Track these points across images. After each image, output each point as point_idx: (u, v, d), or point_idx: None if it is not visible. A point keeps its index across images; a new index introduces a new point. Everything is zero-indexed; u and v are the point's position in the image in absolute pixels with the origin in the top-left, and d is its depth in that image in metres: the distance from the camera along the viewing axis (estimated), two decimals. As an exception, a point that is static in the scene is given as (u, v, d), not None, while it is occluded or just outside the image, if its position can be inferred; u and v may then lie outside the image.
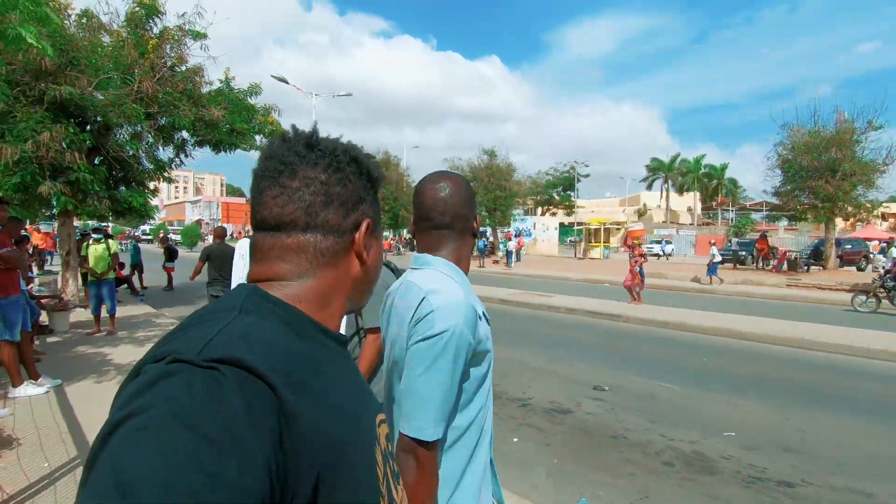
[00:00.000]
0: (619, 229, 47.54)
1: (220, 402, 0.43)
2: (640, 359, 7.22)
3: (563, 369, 6.52)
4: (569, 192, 51.35)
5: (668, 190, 60.16)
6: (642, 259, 12.23)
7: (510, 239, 27.17)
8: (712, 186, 58.10)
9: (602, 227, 36.09)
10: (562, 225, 45.00)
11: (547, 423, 4.64)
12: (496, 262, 27.03)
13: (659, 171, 59.78)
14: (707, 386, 5.83)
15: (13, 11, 4.72)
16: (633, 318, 10.02)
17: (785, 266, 20.43)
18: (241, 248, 5.91)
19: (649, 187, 62.96)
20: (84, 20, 9.60)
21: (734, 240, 30.87)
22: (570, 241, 37.45)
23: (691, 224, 59.85)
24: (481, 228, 39.92)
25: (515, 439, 4.26)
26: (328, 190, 0.64)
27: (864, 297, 12.04)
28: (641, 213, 61.56)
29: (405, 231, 48.01)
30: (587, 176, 50.66)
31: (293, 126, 0.69)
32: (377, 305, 1.36)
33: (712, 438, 4.33)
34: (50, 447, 3.66)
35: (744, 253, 24.51)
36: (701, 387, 5.79)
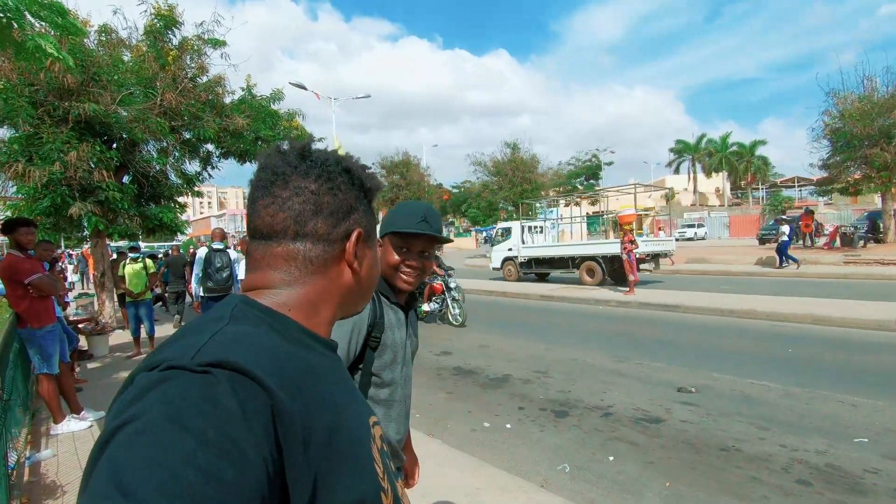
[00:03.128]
0: (648, 215, 46.24)
1: (215, 405, 0.44)
2: (714, 353, 6.58)
3: (634, 369, 5.94)
4: (592, 181, 50.14)
5: (695, 172, 58.29)
6: (632, 246, 11.43)
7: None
8: (742, 165, 56.04)
9: (634, 213, 35.01)
10: (588, 215, 43.91)
11: (640, 436, 4.09)
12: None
13: (685, 152, 57.92)
14: (808, 381, 5.17)
15: (35, 18, 4.42)
16: (693, 308, 9.34)
17: (838, 242, 19.22)
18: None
19: (676, 170, 61.08)
20: (103, 36, 9.39)
21: (777, 217, 29.37)
22: (603, 229, 36.39)
23: (721, 206, 57.88)
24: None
25: (611, 458, 3.72)
26: (318, 199, 0.64)
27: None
28: (669, 197, 59.85)
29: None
30: (611, 163, 49.40)
31: (289, 140, 0.75)
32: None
33: (842, 446, 3.71)
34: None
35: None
36: (801, 383, 5.14)
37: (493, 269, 17.56)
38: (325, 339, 0.66)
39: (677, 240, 36.45)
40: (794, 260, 15.06)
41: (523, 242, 16.47)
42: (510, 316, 10.32)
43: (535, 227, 18.31)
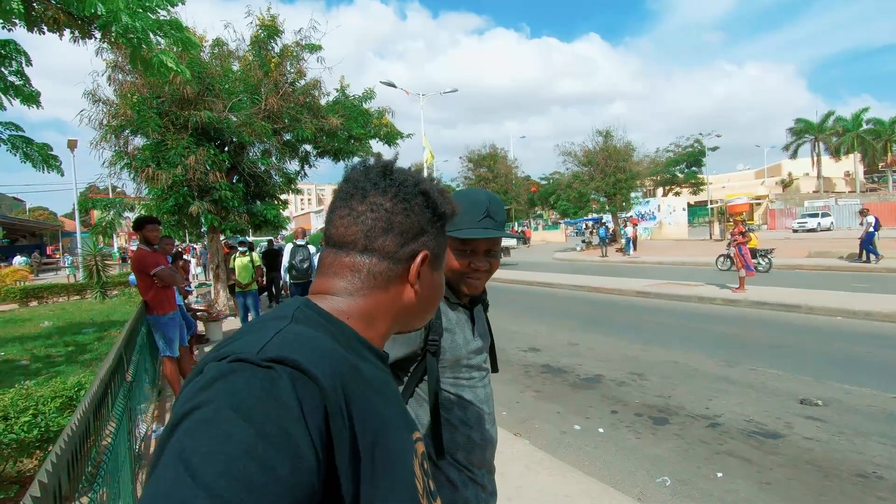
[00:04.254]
0: (759, 204, 41.90)
1: (276, 399, 0.46)
2: (846, 361, 5.74)
3: (746, 376, 5.35)
4: (693, 169, 46.41)
5: (819, 154, 51.58)
6: (741, 238, 10.18)
7: (636, 224, 25.02)
8: (880, 145, 48.63)
9: (748, 202, 31.90)
10: (689, 205, 40.78)
11: (754, 452, 3.65)
12: (620, 250, 25.07)
13: (806, 133, 51.32)
14: (972, 400, 4.33)
15: (157, 34, 4.92)
16: (818, 309, 8.24)
17: None
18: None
19: (794, 154, 54.45)
20: (216, 49, 10.30)
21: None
22: (708, 220, 33.49)
23: (851, 192, 50.78)
24: (598, 216, 37.83)
25: (720, 474, 3.36)
26: (390, 218, 0.67)
27: None
28: (787, 184, 53.72)
29: (517, 224, 47.12)
30: (716, 149, 45.27)
31: (378, 154, 0.81)
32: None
33: None
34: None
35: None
36: (963, 402, 4.31)
37: None
38: (378, 351, 0.67)
39: (795, 230, 32.76)
40: (876, 254, 13.89)
41: None
42: (602, 313, 9.84)
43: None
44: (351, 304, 0.66)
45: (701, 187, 44.17)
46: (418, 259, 0.68)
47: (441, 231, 0.73)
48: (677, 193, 46.36)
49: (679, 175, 46.48)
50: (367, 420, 0.55)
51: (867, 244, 14.00)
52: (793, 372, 5.36)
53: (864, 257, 14.19)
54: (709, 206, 36.22)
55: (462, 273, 1.26)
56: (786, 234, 31.30)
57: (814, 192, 49.83)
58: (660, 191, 48.25)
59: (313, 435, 0.47)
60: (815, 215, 34.20)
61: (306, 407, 0.47)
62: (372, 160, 0.71)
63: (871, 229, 13.88)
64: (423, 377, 1.25)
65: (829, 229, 32.79)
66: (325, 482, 0.48)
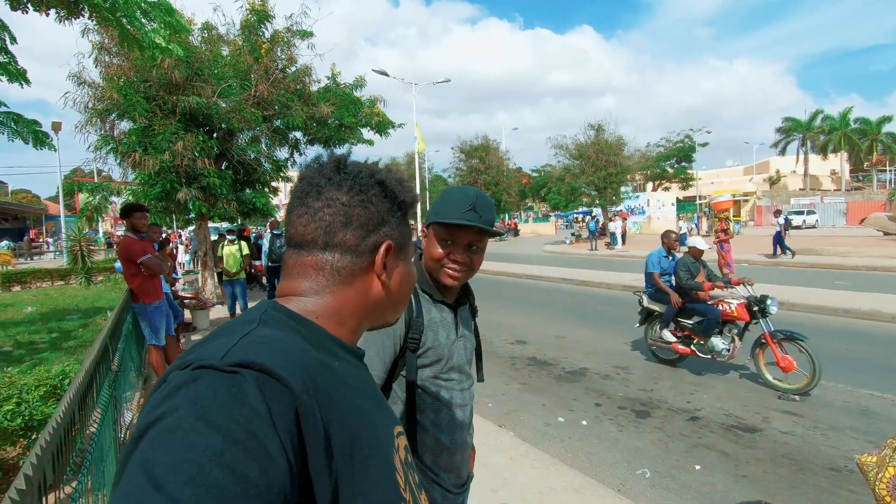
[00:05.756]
0: (747, 200, 42.39)
1: (243, 404, 0.45)
2: (824, 357, 5.85)
3: (728, 371, 5.46)
4: (683, 164, 46.73)
5: (806, 152, 52.17)
6: (724, 235, 10.36)
7: (625, 218, 25.20)
8: (865, 144, 49.32)
9: (731, 199, 32.17)
10: (678, 200, 41.08)
11: (732, 446, 3.75)
12: (607, 244, 25.25)
13: (794, 131, 51.86)
14: (942, 397, 4.47)
15: (146, 18, 4.83)
16: (800, 306, 8.41)
17: None
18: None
19: (782, 151, 55.02)
20: (205, 33, 10.12)
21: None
22: (696, 215, 33.75)
23: (837, 190, 51.51)
24: (588, 209, 37.99)
25: (698, 467, 3.45)
26: (348, 211, 0.66)
27: None
28: (774, 181, 54.26)
29: (507, 216, 47.19)
30: (706, 144, 45.61)
31: (330, 151, 0.72)
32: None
33: None
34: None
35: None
36: (934, 398, 4.45)
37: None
38: (351, 348, 0.67)
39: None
40: (786, 250, 15.59)
41: None
42: (590, 306, 9.94)
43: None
44: (319, 303, 0.65)
45: (690, 183, 44.51)
46: (382, 249, 0.67)
47: (403, 220, 0.72)
48: (667, 188, 46.70)
49: (669, 170, 46.81)
50: (344, 418, 0.54)
51: (777, 241, 16.06)
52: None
53: (777, 253, 16.14)
54: (697, 201, 36.58)
55: (440, 262, 1.26)
56: (771, 231, 31.73)
57: (800, 189, 50.46)
58: (649, 185, 48.54)
59: (283, 438, 0.46)
60: (801, 213, 34.73)
61: (275, 410, 0.46)
62: (325, 156, 0.70)
63: (778, 228, 16.15)
64: (398, 375, 1.24)
65: (814, 227, 33.34)
66: (301, 485, 0.47)
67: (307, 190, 0.67)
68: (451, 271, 1.26)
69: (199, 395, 0.45)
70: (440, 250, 1.26)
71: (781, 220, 16.32)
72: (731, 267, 10.47)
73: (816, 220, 34.73)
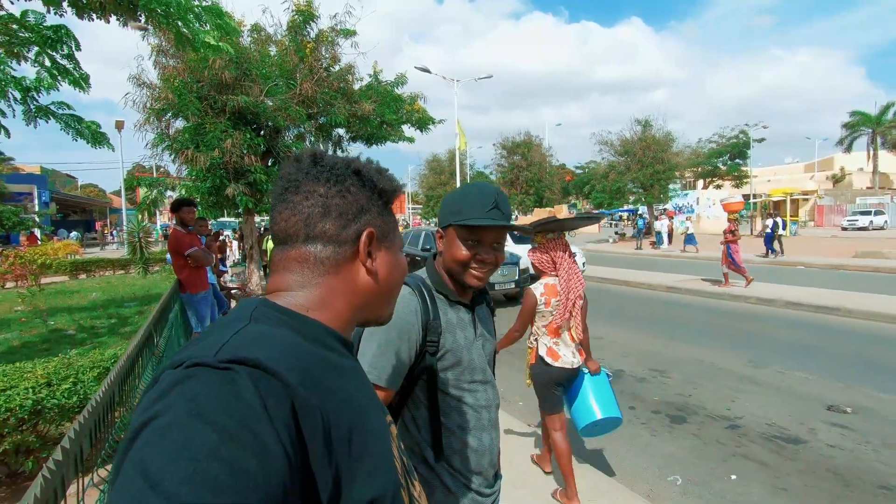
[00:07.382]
0: (807, 199, 39.98)
1: (237, 400, 0.45)
2: (882, 367, 5.50)
3: (775, 378, 5.21)
4: (738, 161, 44.55)
5: (876, 148, 48.49)
6: (731, 237, 10.12)
7: (672, 217, 24.33)
8: (945, 139, 45.30)
9: (788, 198, 30.50)
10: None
11: (772, 456, 3.59)
12: (652, 243, 24.46)
13: (863, 126, 48.35)
14: None
15: (199, 21, 5.09)
16: (856, 312, 7.89)
17: None
18: None
19: (848, 148, 51.38)
20: (254, 34, 10.50)
21: None
22: (750, 215, 32.05)
23: (911, 189, 47.71)
24: (634, 207, 36.85)
25: (734, 476, 3.32)
26: (326, 202, 0.66)
27: None
28: (838, 179, 50.90)
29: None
30: (762, 140, 43.30)
31: (307, 146, 0.59)
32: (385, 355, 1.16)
33: None
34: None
35: None
36: None
37: None
38: (342, 338, 0.67)
39: (844, 229, 31.08)
40: (773, 251, 16.36)
41: None
42: (630, 306, 9.69)
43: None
44: (307, 296, 0.65)
45: (744, 180, 42.34)
46: (364, 237, 0.68)
47: (385, 208, 0.73)
48: (718, 186, 44.69)
49: (721, 167, 44.74)
50: (343, 408, 0.55)
51: (768, 242, 16.88)
52: (823, 376, 5.18)
53: (768, 254, 16.83)
54: (751, 200, 34.79)
55: (466, 264, 1.24)
56: (833, 233, 29.80)
57: (867, 188, 47.11)
58: (700, 183, 46.61)
59: (280, 431, 0.46)
60: (868, 213, 32.36)
61: (270, 404, 0.46)
62: (303, 152, 0.70)
63: (769, 230, 16.84)
64: (419, 378, 1.22)
65: (882, 228, 30.99)
66: (301, 476, 0.47)
67: (286, 186, 0.68)
68: (476, 272, 1.24)
69: (192, 392, 0.45)
70: (465, 252, 1.23)
71: (769, 221, 17.38)
72: (738, 267, 10.38)
73: (885, 221, 32.23)
